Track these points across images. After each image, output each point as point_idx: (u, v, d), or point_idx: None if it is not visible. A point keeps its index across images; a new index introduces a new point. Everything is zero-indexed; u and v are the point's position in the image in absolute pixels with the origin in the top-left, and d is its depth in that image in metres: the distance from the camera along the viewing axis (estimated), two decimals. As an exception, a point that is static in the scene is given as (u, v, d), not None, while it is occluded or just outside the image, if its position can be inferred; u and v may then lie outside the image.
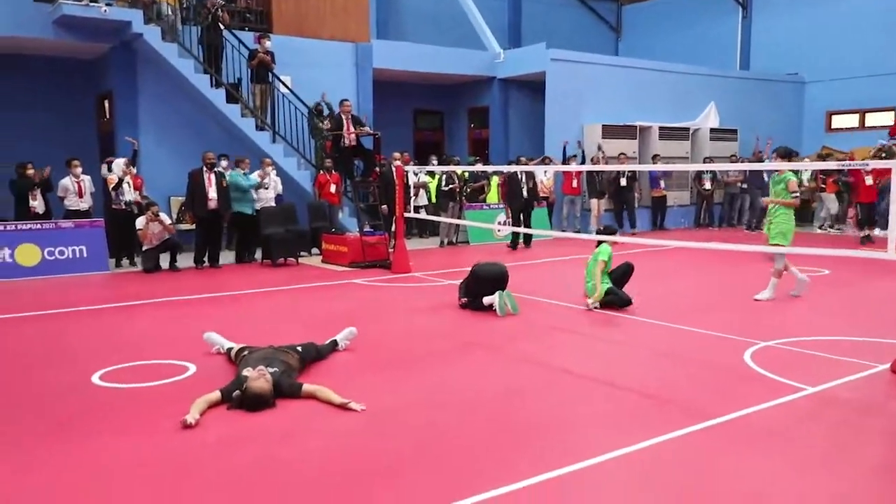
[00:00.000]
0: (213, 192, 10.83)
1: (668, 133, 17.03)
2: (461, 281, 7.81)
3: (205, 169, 10.86)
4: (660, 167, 10.86)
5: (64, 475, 3.54)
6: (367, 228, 11.65)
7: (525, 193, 13.06)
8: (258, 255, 11.75)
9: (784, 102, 19.46)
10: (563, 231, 15.22)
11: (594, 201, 15.48)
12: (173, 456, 3.74)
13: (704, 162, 16.55)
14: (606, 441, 3.87)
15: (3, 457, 3.76)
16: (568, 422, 4.23)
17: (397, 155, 13.15)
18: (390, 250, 11.02)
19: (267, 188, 11.93)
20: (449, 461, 3.63)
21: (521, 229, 11.96)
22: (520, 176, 13.02)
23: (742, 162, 16.17)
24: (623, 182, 15.50)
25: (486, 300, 7.30)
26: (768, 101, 19.12)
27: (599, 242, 7.69)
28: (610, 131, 16.19)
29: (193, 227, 11.32)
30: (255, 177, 11.88)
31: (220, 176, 11.01)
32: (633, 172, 15.58)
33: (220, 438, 3.96)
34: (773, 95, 19.25)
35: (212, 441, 3.93)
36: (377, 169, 12.86)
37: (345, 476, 3.45)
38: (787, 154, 7.68)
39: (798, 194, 7.64)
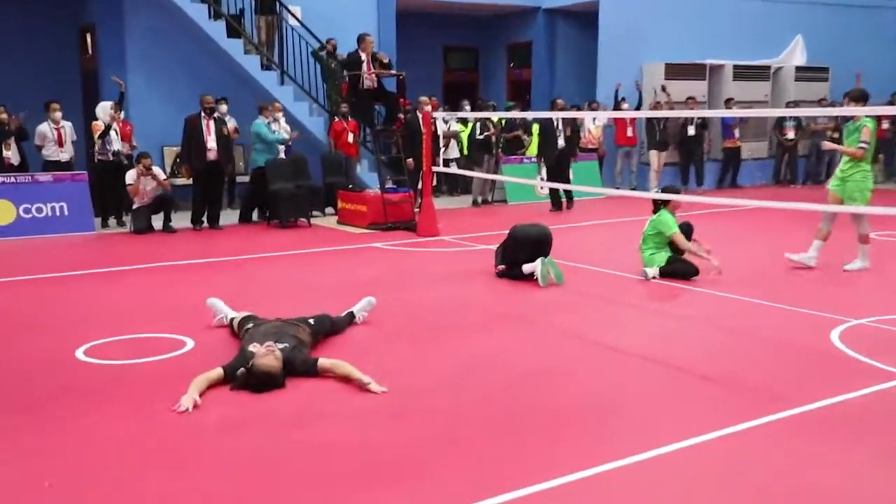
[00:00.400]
0: (212, 142, 10.83)
1: (744, 73, 16.60)
2: (497, 245, 7.81)
3: (203, 115, 10.84)
4: (734, 113, 10.66)
5: (36, 465, 3.54)
6: (389, 185, 11.68)
7: (562, 142, 12.79)
8: (256, 215, 11.78)
9: (891, 34, 18.84)
10: (617, 188, 15.09)
11: (654, 154, 15.27)
12: (167, 444, 3.77)
13: (787, 107, 16.18)
14: (662, 431, 3.86)
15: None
16: (617, 409, 4.22)
17: (424, 99, 13.03)
18: (416, 210, 11.08)
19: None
20: (478, 451, 3.65)
21: (561, 185, 11.70)
22: (556, 122, 12.74)
23: (834, 106, 15.77)
24: (690, 131, 15.26)
25: (526, 268, 7.31)
26: (869, 32, 18.39)
27: (657, 205, 7.64)
28: (675, 71, 15.83)
29: (190, 181, 11.36)
30: (283, 133, 11.94)
31: (220, 122, 11.04)
32: (703, 120, 15.31)
33: (221, 423, 3.99)
34: (876, 27, 18.54)
35: (212, 426, 3.96)
36: (401, 116, 12.83)
37: (361, 467, 3.49)
38: (863, 97, 7.54)
39: (865, 145, 7.45)
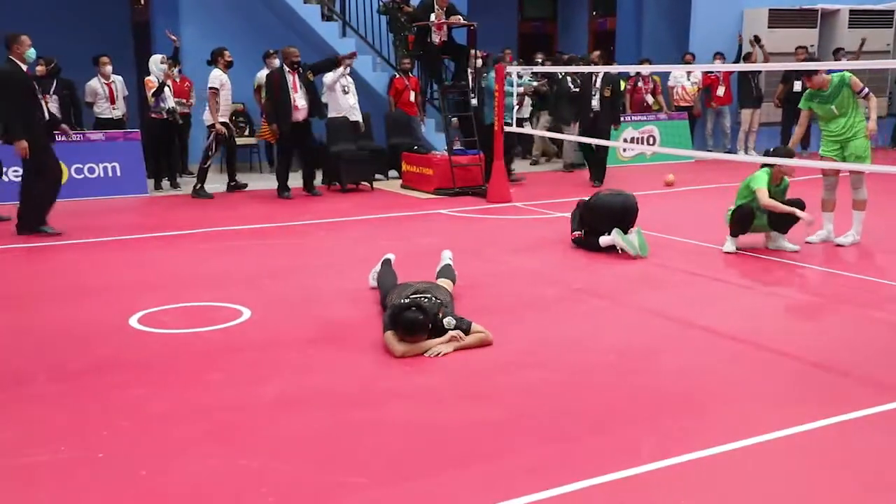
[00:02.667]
0: (300, 99, 10.69)
1: (862, 18, 15.82)
2: (573, 210, 7.76)
3: (286, 69, 10.70)
4: (849, 65, 10.29)
5: (79, 435, 3.66)
6: (457, 147, 11.70)
7: (596, 105, 11.71)
8: (318, 177, 11.85)
9: None
10: (709, 151, 14.81)
11: (746, 112, 14.92)
12: (217, 419, 3.86)
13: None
14: (759, 419, 3.83)
15: (9, 413, 3.92)
16: (704, 393, 4.20)
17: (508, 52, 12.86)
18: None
19: (347, 92, 11.74)
20: (556, 435, 3.67)
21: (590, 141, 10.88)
22: (593, 80, 11.66)
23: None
24: (797, 87, 14.78)
25: (603, 241, 7.24)
26: None
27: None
28: (780, 18, 15.22)
29: (275, 144, 11.35)
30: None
31: (305, 76, 10.75)
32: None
33: (278, 400, 4.11)
34: None
35: (267, 403, 4.06)
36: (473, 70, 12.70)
37: (427, 448, 3.54)
38: None
39: None
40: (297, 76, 10.71)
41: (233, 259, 7.33)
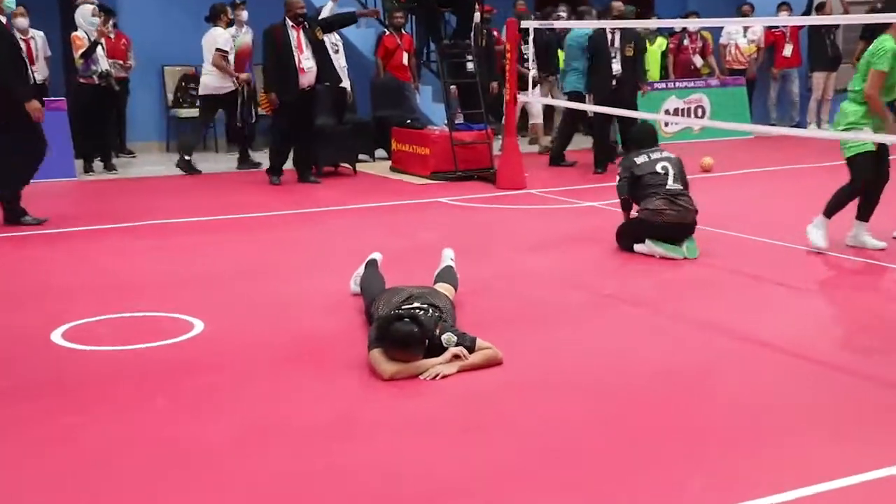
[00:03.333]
0: (307, 61, 10.45)
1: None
2: (619, 180, 7.66)
3: (290, 24, 10.41)
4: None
5: None
6: (460, 120, 11.68)
7: (617, 69, 11.36)
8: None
9: None
10: (772, 125, 14.82)
11: (818, 76, 14.90)
12: (161, 459, 3.80)
13: None
14: (826, 459, 3.80)
15: None
16: (762, 425, 4.17)
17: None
18: (495, 154, 11.10)
19: (336, 51, 11.63)
20: (573, 478, 3.66)
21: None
22: (609, 35, 11.31)
23: None
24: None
25: (638, 249, 7.17)
26: None
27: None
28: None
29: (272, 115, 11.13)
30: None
31: (312, 30, 10.51)
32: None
33: (238, 432, 4.06)
34: None
35: (225, 436, 4.03)
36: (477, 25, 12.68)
37: (420, 498, 3.51)
38: None
39: None
40: (302, 32, 10.46)
41: (183, 259, 7.31)
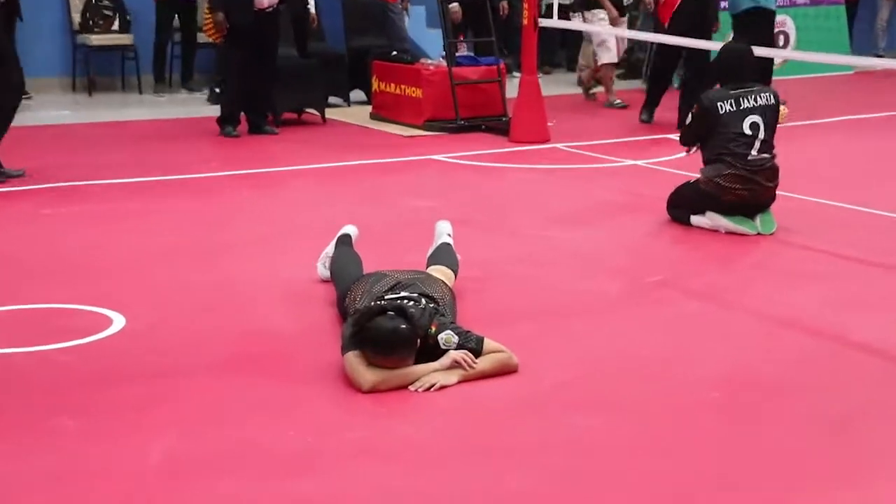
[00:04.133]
0: None
1: None
2: (686, 120, 7.64)
3: None
4: None
5: None
6: (463, 52, 11.66)
7: None
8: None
9: None
10: (879, 55, 14.75)
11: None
12: (71, 496, 3.77)
13: None
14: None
15: None
16: (861, 453, 4.15)
17: None
18: (508, 98, 11.07)
19: None
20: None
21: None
22: None
23: None
24: None
25: (696, 221, 7.20)
26: None
27: None
28: None
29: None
30: None
31: None
32: None
33: (171, 461, 4.03)
34: None
35: (154, 466, 3.99)
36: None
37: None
38: None
39: None
40: None
41: (100, 234, 7.32)
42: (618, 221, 7.52)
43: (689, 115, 7.46)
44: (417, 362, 4.77)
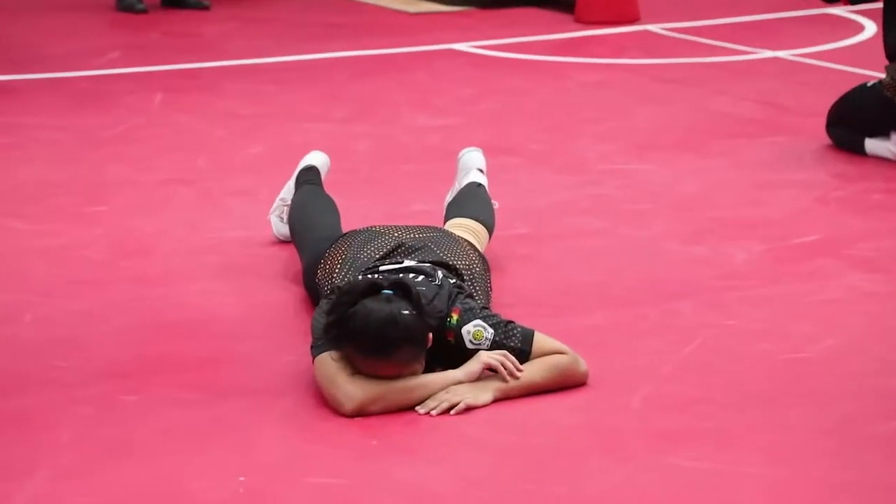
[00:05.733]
0: None
1: None
2: None
3: None
4: None
5: None
6: None
7: None
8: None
9: None
10: None
11: None
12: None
13: None
14: None
15: None
16: None
17: None
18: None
19: None
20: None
21: None
22: None
23: None
24: None
25: (871, 147, 7.29)
26: None
27: None
28: None
29: None
30: None
31: None
32: None
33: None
34: None
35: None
36: None
37: None
38: None
39: None
40: None
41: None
42: (745, 150, 7.58)
43: None
44: (430, 369, 4.75)
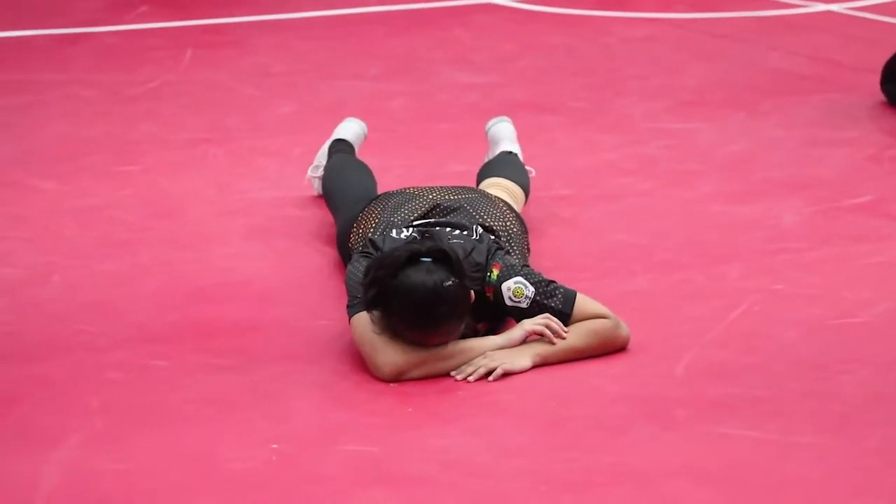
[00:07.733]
0: None
1: None
2: None
3: None
4: None
5: None
6: None
7: None
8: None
9: None
10: None
11: None
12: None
13: None
14: None
15: None
16: None
17: None
18: None
19: None
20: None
21: None
22: None
23: None
24: None
25: None
26: None
27: None
28: None
29: None
30: None
31: None
32: None
33: (73, 482, 4.09)
34: None
35: (53, 488, 4.04)
36: None
37: None
38: None
39: None
40: None
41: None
42: (796, 108, 7.56)
43: None
44: (466, 334, 4.76)
